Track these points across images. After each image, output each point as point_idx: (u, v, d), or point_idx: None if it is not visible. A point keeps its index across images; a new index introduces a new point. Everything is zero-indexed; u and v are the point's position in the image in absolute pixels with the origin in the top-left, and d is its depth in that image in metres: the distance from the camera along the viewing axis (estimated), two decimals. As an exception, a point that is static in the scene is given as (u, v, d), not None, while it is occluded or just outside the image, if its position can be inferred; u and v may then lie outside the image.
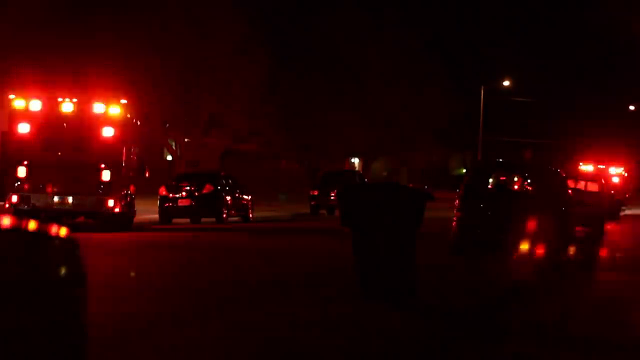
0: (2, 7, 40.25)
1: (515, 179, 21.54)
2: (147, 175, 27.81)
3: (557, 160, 54.19)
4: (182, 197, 32.12)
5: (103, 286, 12.05)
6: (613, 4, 64.20)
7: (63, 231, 4.72)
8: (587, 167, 45.87)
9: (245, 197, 34.90)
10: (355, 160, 70.26)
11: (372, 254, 12.08)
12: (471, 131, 66.65)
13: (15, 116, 25.32)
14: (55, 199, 24.92)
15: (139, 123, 27.97)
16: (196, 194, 32.22)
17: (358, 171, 59.97)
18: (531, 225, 18.59)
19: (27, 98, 25.39)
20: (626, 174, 55.17)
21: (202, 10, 47.12)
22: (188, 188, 32.35)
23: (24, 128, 25.19)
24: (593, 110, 76.42)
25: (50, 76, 37.56)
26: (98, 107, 25.28)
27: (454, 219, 19.48)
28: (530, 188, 20.75)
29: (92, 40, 43.42)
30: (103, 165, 25.03)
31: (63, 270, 4.58)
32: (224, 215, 32.50)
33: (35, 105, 25.24)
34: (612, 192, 41.99)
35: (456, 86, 63.35)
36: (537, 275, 16.46)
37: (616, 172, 50.91)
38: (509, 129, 74.09)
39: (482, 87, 64.22)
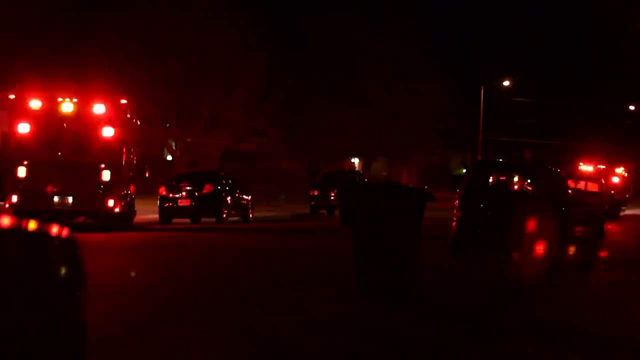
0: (2, 7, 40.25)
1: (515, 179, 21.54)
2: (147, 175, 27.81)
3: (557, 160, 54.20)
4: (182, 197, 32.09)
5: (103, 286, 12.05)
6: (613, 4, 64.11)
7: (63, 231, 4.71)
8: (587, 167, 45.88)
9: (245, 197, 34.88)
10: (355, 160, 70.27)
11: (372, 254, 12.08)
12: (471, 131, 66.65)
13: (15, 116, 25.32)
14: (55, 199, 24.92)
15: (139, 123, 27.97)
16: (196, 194, 32.20)
17: (358, 171, 59.97)
18: (531, 225, 18.58)
19: (27, 98, 25.39)
20: (626, 174, 55.16)
21: (202, 10, 47.12)
22: (188, 188, 32.33)
23: (24, 128, 25.19)
24: (593, 110, 76.44)
25: (50, 76, 37.57)
26: (98, 107, 25.28)
27: (454, 219, 19.47)
28: (530, 188, 20.75)
29: (92, 40, 43.44)
30: (103, 165, 25.03)
31: (63, 270, 4.58)
32: (224, 215, 32.48)
33: (35, 105, 25.24)
34: (612, 192, 42.00)
35: (456, 86, 63.40)
36: (537, 275, 16.46)
37: (616, 172, 50.91)
38: (509, 129, 74.09)
39: (482, 87, 64.20)
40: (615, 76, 75.71)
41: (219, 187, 32.71)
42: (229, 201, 33.12)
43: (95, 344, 6.45)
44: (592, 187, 32.71)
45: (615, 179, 48.08)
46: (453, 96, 62.06)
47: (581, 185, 32.46)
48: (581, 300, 13.65)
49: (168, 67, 46.01)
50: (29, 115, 25.16)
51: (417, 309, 11.65)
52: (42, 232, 4.64)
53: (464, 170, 54.07)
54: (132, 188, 26.62)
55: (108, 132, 25.22)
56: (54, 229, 4.67)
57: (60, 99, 25.32)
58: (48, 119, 25.13)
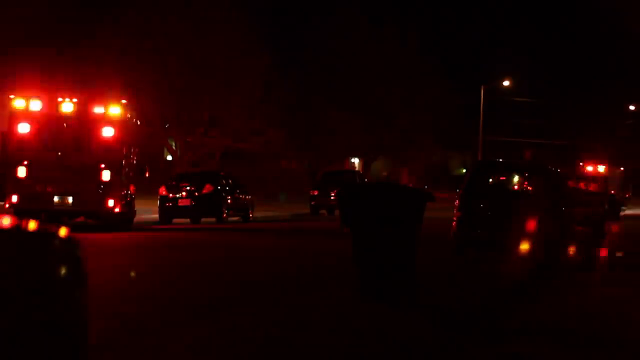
0: (2, 7, 40.26)
1: (515, 179, 21.54)
2: (147, 175, 27.81)
3: (557, 160, 54.18)
4: (182, 197, 32.10)
5: (103, 286, 12.05)
6: (613, 4, 64.14)
7: (63, 231, 4.72)
8: (587, 167, 45.88)
9: (245, 197, 34.88)
10: (355, 160, 70.28)
11: (371, 254, 12.09)
12: (471, 131, 66.64)
13: (15, 116, 25.32)
14: (55, 199, 24.92)
15: (139, 123, 27.98)
16: (196, 194, 32.21)
17: (358, 171, 59.97)
18: (531, 225, 18.58)
19: (27, 98, 25.39)
20: (626, 174, 55.13)
21: (202, 11, 47.12)
22: (188, 188, 32.33)
23: (24, 128, 25.19)
24: (593, 110, 76.42)
25: (50, 76, 37.56)
26: (98, 107, 25.28)
27: (454, 219, 19.47)
28: (530, 188, 20.75)
29: (92, 41, 43.45)
30: (103, 165, 25.03)
31: (63, 270, 4.58)
32: (224, 215, 32.49)
33: (35, 105, 25.24)
34: (612, 192, 42.00)
35: (456, 86, 63.37)
36: (537, 275, 16.46)
37: (616, 172, 50.89)
38: (509, 129, 74.09)
39: (482, 87, 64.19)
40: (615, 76, 75.73)
41: (219, 187, 32.72)
42: (229, 201, 33.12)
43: (96, 344, 6.45)
44: (592, 187, 32.69)
45: (615, 179, 48.05)
46: (453, 96, 62.05)
47: (581, 185, 32.44)
48: (581, 300, 13.65)
49: (168, 67, 46.02)
50: (29, 115, 25.16)
51: (417, 309, 11.66)
52: (42, 232, 4.64)
53: (464, 170, 54.05)
54: (132, 188, 26.62)
55: (108, 132, 25.22)
56: (54, 229, 4.67)
57: (60, 99, 25.33)
58: (48, 119, 25.13)
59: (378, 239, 12.05)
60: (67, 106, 25.22)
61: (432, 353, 9.05)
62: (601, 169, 47.57)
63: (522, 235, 18.43)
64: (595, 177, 35.45)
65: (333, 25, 58.05)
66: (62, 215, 25.01)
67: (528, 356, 8.95)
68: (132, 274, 15.54)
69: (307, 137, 57.57)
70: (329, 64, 57.65)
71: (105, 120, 25.25)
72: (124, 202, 25.62)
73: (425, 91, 61.67)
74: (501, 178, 21.46)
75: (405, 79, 61.06)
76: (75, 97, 25.52)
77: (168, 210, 31.97)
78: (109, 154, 25.20)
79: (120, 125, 25.44)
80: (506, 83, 66.89)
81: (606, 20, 67.97)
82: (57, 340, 4.42)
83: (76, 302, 4.64)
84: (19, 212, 24.47)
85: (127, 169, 26.05)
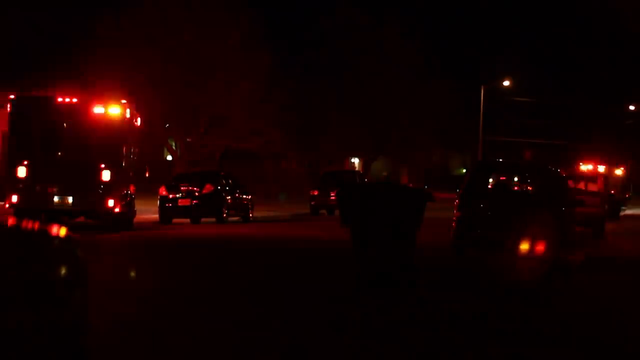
0: (2, 7, 40.28)
1: (515, 179, 21.54)
2: (147, 175, 27.81)
3: (557, 160, 54.19)
4: (182, 197, 32.07)
5: (103, 286, 12.05)
6: (613, 4, 64.14)
7: (63, 231, 4.72)
8: (587, 167, 45.87)
9: (245, 197, 34.87)
10: (355, 160, 70.31)
11: (371, 254, 12.09)
12: (471, 131, 66.65)
13: (16, 116, 25.32)
14: (55, 199, 24.92)
15: (139, 123, 27.96)
16: (196, 194, 32.18)
17: (358, 171, 59.97)
18: (531, 225, 18.57)
19: (27, 98, 25.38)
20: (626, 174, 55.12)
21: (203, 11, 47.14)
22: (188, 188, 32.31)
23: (24, 128, 25.19)
24: (593, 110, 76.42)
25: (50, 76, 37.58)
26: (98, 107, 25.28)
27: (454, 219, 19.47)
28: (530, 188, 20.75)
29: (93, 40, 43.47)
30: (103, 165, 25.03)
31: (63, 270, 4.58)
32: (224, 215, 32.47)
33: (36, 105, 25.24)
34: (612, 192, 42.00)
35: (456, 86, 63.36)
36: (536, 275, 16.45)
37: (616, 172, 50.88)
38: (509, 129, 74.10)
39: (482, 87, 64.20)
40: (615, 76, 75.70)
41: (219, 187, 32.70)
42: (229, 201, 33.11)
43: (96, 344, 6.46)
44: (592, 187, 32.69)
45: (615, 179, 48.05)
46: (453, 96, 62.06)
47: (581, 185, 32.44)
48: (580, 300, 13.65)
49: (169, 67, 46.04)
50: (29, 115, 25.16)
51: (417, 308, 11.66)
52: (42, 232, 4.64)
53: (464, 170, 54.05)
54: (132, 188, 26.62)
55: (108, 132, 25.21)
56: (54, 229, 4.67)
57: (60, 99, 25.32)
58: (48, 119, 25.13)
59: (378, 239, 12.05)
60: (67, 106, 25.22)
61: (433, 353, 9.05)
62: (601, 168, 47.58)
63: (522, 235, 18.42)
64: (594, 177, 35.42)
65: (334, 26, 58.06)
66: (62, 215, 25.00)
67: (528, 356, 8.96)
68: (132, 274, 15.54)
69: (307, 137, 57.59)
70: (329, 64, 57.66)
71: (105, 120, 25.24)
72: (124, 202, 25.61)
73: (426, 91, 61.68)
74: (501, 178, 21.45)
75: (405, 79, 61.06)
76: (75, 97, 25.52)
77: (168, 210, 31.95)
78: (109, 154, 25.19)
79: (120, 125, 25.43)
80: (506, 83, 66.89)
81: (606, 20, 67.93)
82: (57, 340, 4.42)
83: (76, 302, 4.64)
84: (19, 212, 24.46)
85: (127, 169, 26.05)
